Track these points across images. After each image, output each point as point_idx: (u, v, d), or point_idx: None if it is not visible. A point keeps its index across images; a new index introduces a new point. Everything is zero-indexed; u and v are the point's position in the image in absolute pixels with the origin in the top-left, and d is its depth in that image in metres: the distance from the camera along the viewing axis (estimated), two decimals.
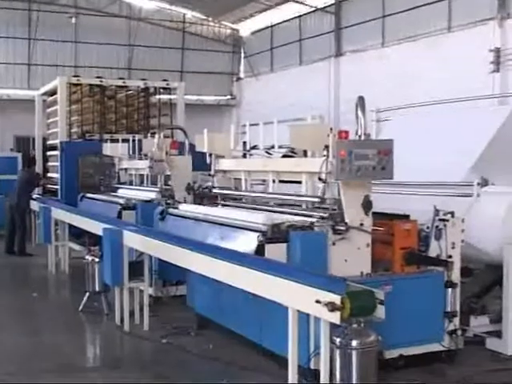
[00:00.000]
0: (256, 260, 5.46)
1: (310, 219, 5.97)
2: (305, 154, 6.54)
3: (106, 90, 14.40)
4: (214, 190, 7.85)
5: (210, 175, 8.06)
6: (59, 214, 11.09)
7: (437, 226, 6.15)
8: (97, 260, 8.47)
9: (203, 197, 7.57)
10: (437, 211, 6.19)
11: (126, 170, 11.66)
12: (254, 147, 7.49)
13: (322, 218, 5.85)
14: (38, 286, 10.53)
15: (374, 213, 5.80)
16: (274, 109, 20.05)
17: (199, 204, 7.46)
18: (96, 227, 8.59)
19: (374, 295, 4.55)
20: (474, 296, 7.11)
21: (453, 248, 6.17)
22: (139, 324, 7.72)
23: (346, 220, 5.70)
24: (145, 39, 23.87)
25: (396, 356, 5.88)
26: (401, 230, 6.05)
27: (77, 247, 12.54)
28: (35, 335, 7.63)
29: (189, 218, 7.51)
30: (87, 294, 8.61)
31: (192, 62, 24.64)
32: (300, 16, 22.10)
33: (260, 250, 5.69)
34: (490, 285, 7.31)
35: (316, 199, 6.32)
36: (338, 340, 4.67)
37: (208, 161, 7.94)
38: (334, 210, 5.89)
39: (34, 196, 13.96)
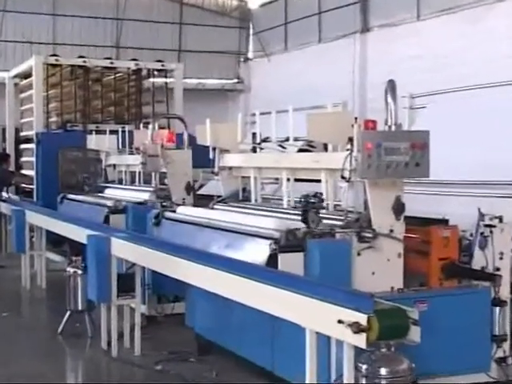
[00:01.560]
0: (268, 272, 5.49)
1: (329, 222, 6.00)
2: (325, 147, 6.56)
3: (91, 72, 14.47)
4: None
5: (213, 173, 8.11)
6: (35, 218, 11.15)
7: (482, 233, 6.15)
8: (80, 272, 8.52)
9: (307, 210, 6.24)
10: (482, 215, 6.19)
11: (114, 166, 11.73)
12: (265, 140, 7.52)
13: (345, 223, 5.87)
14: (9, 303, 10.59)
15: (406, 217, 5.82)
16: (288, 94, 20.00)
17: (303, 221, 6.19)
18: (79, 234, 8.64)
19: (407, 314, 4.57)
20: None
21: (501, 259, 6.16)
22: (129, 348, 7.76)
23: (374, 226, 5.73)
24: (136, 12, 23.90)
25: None
26: (439, 238, 6.06)
27: (56, 257, 12.62)
28: (6, 363, 7.66)
29: (188, 222, 7.56)
30: (68, 312, 8.66)
31: (192, 39, 24.66)
32: None
33: (272, 260, 5.73)
34: None
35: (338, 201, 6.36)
36: (363, 367, 4.68)
37: (211, 156, 7.97)
38: (360, 213, 5.91)
39: (4, 197, 14.03)
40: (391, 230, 5.76)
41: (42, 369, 7.46)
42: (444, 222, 6.38)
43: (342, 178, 5.91)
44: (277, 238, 5.84)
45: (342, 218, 5.99)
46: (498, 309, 6.13)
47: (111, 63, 14.92)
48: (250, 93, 25.52)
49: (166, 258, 6.60)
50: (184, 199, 9.03)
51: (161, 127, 10.43)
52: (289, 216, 6.70)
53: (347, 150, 5.82)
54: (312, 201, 6.32)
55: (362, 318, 4.38)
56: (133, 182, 11.12)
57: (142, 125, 11.80)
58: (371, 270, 5.71)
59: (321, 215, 6.25)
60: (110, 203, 9.88)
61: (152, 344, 7.98)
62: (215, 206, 7.88)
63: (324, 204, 6.49)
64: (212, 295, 6.06)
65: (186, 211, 7.98)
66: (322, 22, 22.00)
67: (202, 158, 8.29)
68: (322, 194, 6.50)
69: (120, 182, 11.52)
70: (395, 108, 5.75)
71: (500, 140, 7.70)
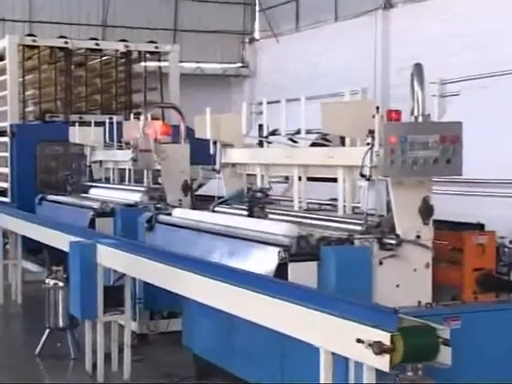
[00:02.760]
0: (276, 284, 5.51)
1: (346, 226, 6.02)
2: (342, 141, 6.58)
3: (73, 55, 14.51)
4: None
5: (213, 170, 8.13)
6: (9, 222, 11.18)
7: None
8: (61, 285, 8.55)
9: (253, 205, 7.14)
10: None
11: (100, 163, 11.76)
12: (274, 133, 7.54)
13: (365, 227, 5.89)
14: None
15: (435, 221, 5.83)
16: (300, 81, 20.03)
17: (250, 215, 7.06)
18: (60, 240, 8.67)
19: (437, 333, 4.58)
20: None
21: None
22: (118, 371, 7.78)
23: (398, 231, 5.74)
24: None
25: None
26: (473, 245, 6.06)
27: (33, 267, 12.64)
28: None
29: (186, 227, 7.58)
30: (47, 331, 8.68)
31: (189, 17, 24.69)
32: None
33: (282, 270, 5.75)
34: None
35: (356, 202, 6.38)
36: None
37: (212, 151, 8.00)
38: (382, 216, 5.93)
39: None
40: (418, 236, 5.77)
41: None
42: (479, 227, 6.38)
43: (362, 176, 5.93)
44: (286, 245, 5.85)
45: (361, 221, 6.00)
46: None
47: (97, 44, 14.94)
48: (256, 78, 25.53)
49: (160, 267, 6.62)
50: (181, 200, 9.06)
51: (154, 118, 10.46)
52: (300, 220, 6.73)
53: (367, 144, 5.84)
54: (258, 196, 7.01)
55: (384, 337, 4.38)
56: (122, 181, 11.15)
57: (132, 115, 11.82)
58: (395, 281, 5.72)
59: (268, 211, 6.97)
60: (95, 205, 9.92)
61: (144, 366, 8.00)
62: (216, 209, 7.91)
63: (269, 199, 7.14)
64: (212, 310, 6.07)
65: (183, 214, 8.01)
66: None
67: (202, 153, 8.31)
68: (268, 189, 7.21)
69: (107, 180, 11.54)
70: (423, 96, 5.76)
71: None
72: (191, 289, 6.27)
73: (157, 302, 8.65)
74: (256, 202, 7.08)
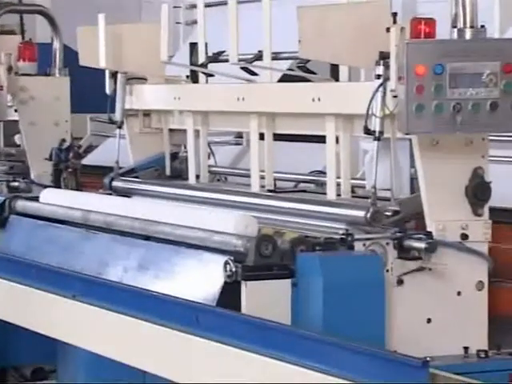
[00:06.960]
0: (223, 318, 5.52)
1: (341, 217, 6.10)
2: (333, 73, 6.63)
3: None
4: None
5: (112, 122, 8.13)
6: None
7: None
8: None
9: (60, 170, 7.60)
10: None
11: None
12: (217, 58, 7.57)
13: (372, 219, 5.96)
14: None
15: (493, 210, 5.89)
16: None
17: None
18: None
19: None
20: None
21: None
22: None
23: (430, 227, 5.81)
24: None
25: None
26: None
27: None
28: None
29: (64, 221, 7.60)
30: None
31: None
32: None
33: (231, 293, 5.76)
34: None
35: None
36: None
37: (108, 90, 8.02)
38: (401, 201, 5.97)
39: None
40: (464, 236, 5.83)
41: None
42: None
43: (367, 132, 5.99)
44: (239, 251, 5.88)
45: (365, 209, 6.05)
46: None
47: None
48: None
49: (18, 291, 6.65)
50: (55, 175, 9.03)
51: (6, 31, 10.44)
52: (263, 207, 6.78)
53: (377, 77, 5.90)
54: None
55: None
56: None
57: None
58: (425, 313, 5.80)
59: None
60: None
61: None
62: (116, 184, 7.93)
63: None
64: (113, 366, 6.11)
65: (60, 199, 7.99)
66: None
67: (91, 93, 8.33)
68: (79, 146, 7.68)
69: None
70: None
71: None
72: (73, 329, 6.30)
73: (13, 352, 8.65)
74: (64, 165, 7.44)
